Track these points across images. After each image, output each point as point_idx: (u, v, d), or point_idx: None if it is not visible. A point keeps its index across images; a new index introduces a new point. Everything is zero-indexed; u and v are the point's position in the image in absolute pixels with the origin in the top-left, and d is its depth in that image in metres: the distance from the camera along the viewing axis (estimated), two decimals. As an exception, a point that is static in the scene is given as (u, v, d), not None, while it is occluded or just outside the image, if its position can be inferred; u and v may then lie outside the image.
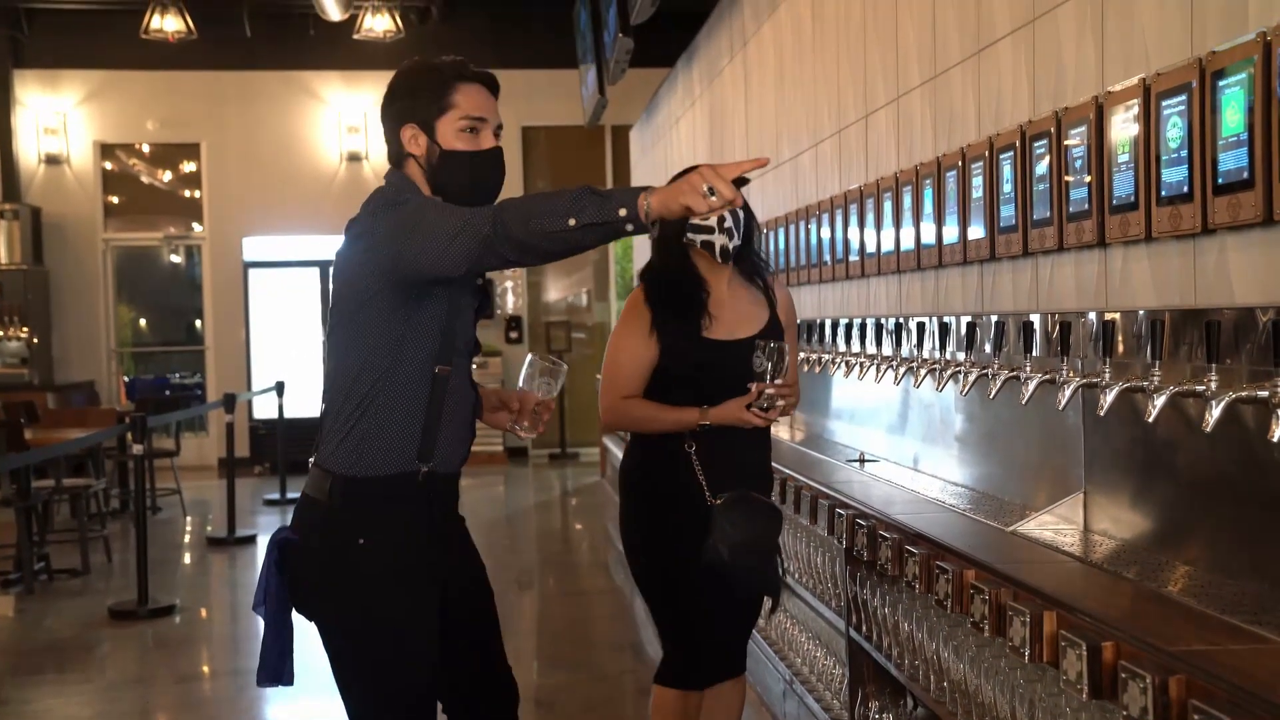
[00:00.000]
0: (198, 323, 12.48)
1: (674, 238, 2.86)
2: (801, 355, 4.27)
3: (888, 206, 3.68)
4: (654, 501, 2.88)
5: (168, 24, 9.89)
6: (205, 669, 5.39)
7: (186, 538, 8.54)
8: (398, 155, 2.36)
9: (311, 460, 2.33)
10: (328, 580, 2.26)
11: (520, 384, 2.48)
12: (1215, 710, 1.33)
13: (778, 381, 2.67)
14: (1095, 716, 1.69)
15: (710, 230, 2.82)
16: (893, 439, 3.74)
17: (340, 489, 2.25)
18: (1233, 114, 1.96)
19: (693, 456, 2.79)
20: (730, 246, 2.83)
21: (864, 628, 2.73)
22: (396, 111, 2.35)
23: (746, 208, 2.84)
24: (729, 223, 2.84)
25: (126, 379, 12.36)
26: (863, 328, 3.77)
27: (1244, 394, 1.87)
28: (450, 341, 2.28)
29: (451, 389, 2.30)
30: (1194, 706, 1.37)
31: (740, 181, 1.98)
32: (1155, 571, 2.11)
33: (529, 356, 2.50)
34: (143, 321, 12.99)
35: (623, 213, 2.01)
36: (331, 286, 2.38)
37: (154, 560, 6.39)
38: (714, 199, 1.97)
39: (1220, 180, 2.00)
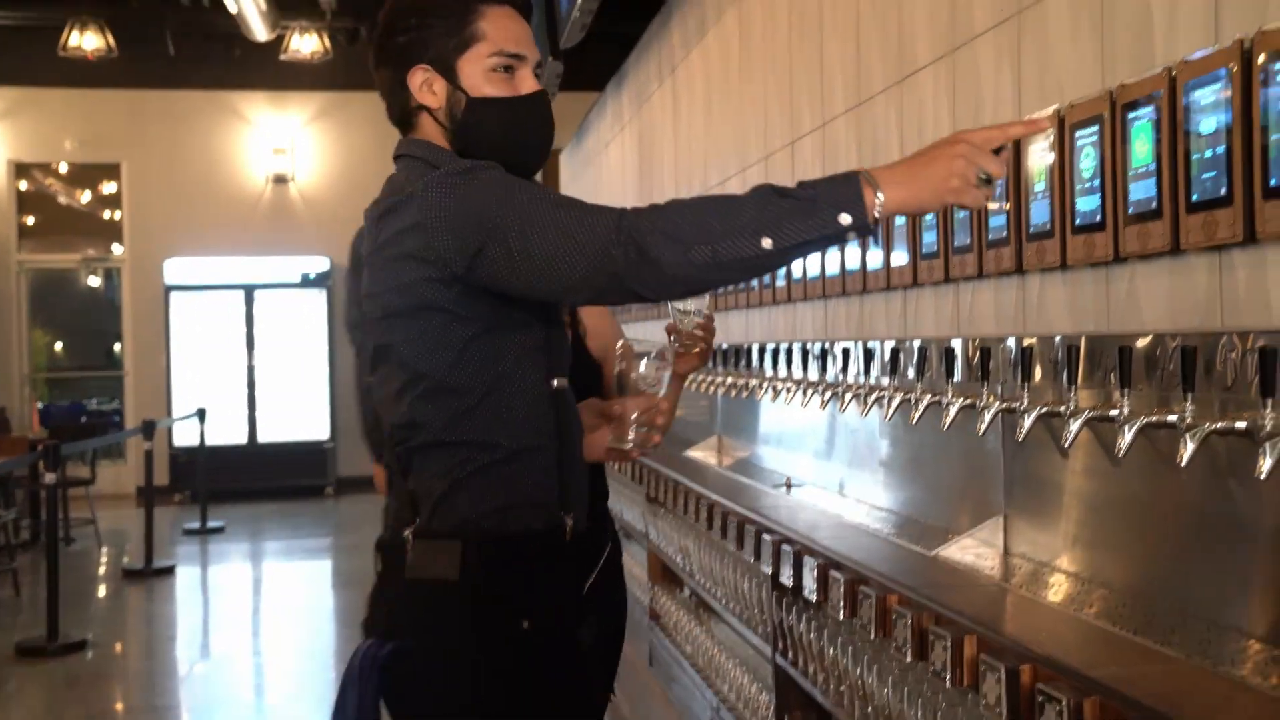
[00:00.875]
0: (117, 347, 12.24)
1: None
2: (730, 379, 4.28)
3: (812, 233, 3.71)
4: None
5: (87, 41, 9.74)
6: (119, 706, 5.26)
7: (101, 570, 8.35)
8: (404, 112, 1.80)
9: (408, 532, 1.71)
10: (482, 692, 1.69)
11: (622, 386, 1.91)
12: (1128, 733, 1.35)
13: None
14: (1014, 739, 1.70)
15: None
16: (819, 463, 3.76)
17: (483, 558, 1.68)
18: (1142, 145, 2.01)
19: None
20: None
21: (790, 654, 2.74)
22: (400, 50, 1.76)
23: None
24: None
25: (40, 405, 12.06)
26: (789, 352, 3.79)
27: (1154, 419, 1.91)
28: (558, 347, 1.78)
29: (571, 410, 1.81)
30: (1108, 729, 1.39)
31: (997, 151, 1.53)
32: (1073, 594, 2.14)
33: (619, 343, 1.90)
34: (59, 346, 12.71)
35: (845, 220, 1.46)
36: (364, 303, 1.79)
37: (66, 593, 6.23)
38: (990, 188, 1.50)
39: (1131, 210, 2.05)
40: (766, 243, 1.47)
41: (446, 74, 1.74)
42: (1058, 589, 2.18)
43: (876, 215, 1.48)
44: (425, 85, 1.76)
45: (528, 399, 1.72)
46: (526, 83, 1.75)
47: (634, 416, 1.86)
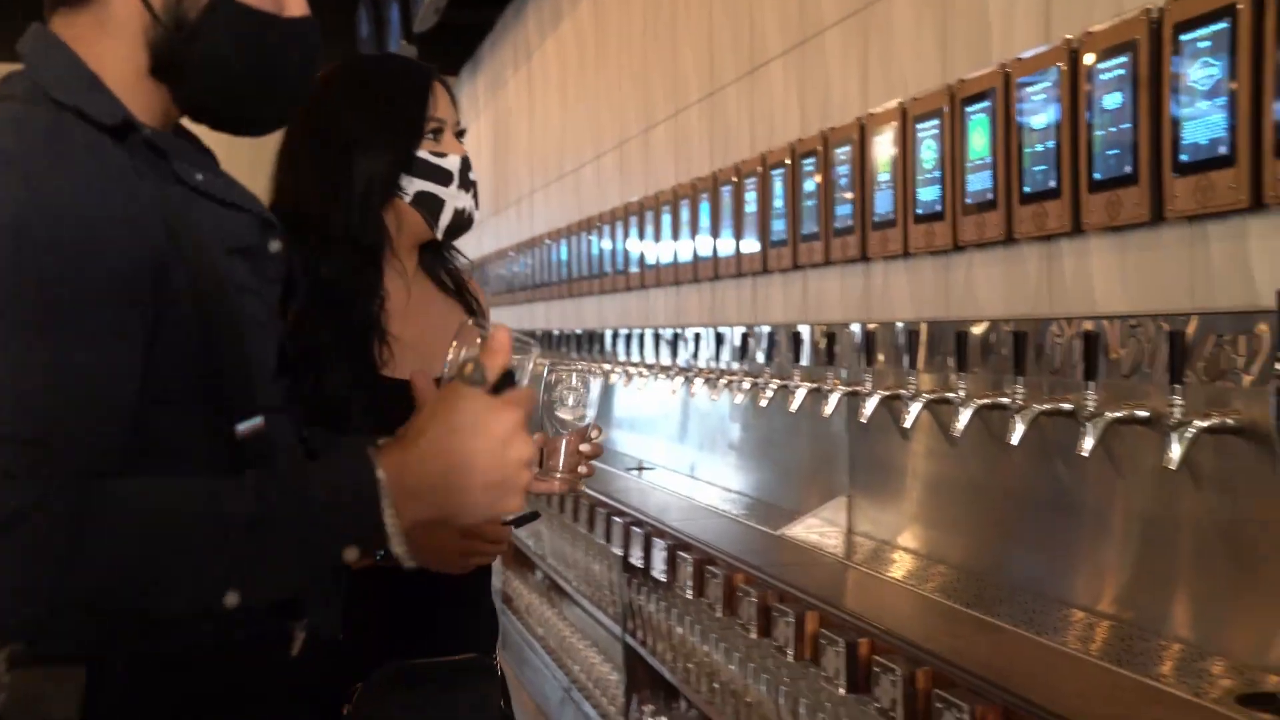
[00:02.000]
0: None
1: (373, 179, 1.62)
2: (584, 364, 4.30)
3: (666, 220, 3.75)
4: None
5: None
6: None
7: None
8: None
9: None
10: None
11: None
12: (956, 699, 1.41)
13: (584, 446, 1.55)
14: (853, 710, 1.76)
15: (445, 178, 1.66)
16: (671, 447, 3.81)
17: (126, 698, 1.04)
18: (979, 139, 2.08)
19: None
20: (469, 214, 1.70)
21: (639, 633, 2.77)
22: None
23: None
24: (474, 172, 1.71)
25: None
26: (642, 338, 3.83)
27: (988, 401, 2.00)
28: (244, 376, 1.11)
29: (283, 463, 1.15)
30: (938, 695, 1.45)
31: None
32: (912, 570, 2.21)
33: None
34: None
35: (351, 556, 1.02)
36: None
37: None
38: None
39: (968, 200, 2.13)
40: (231, 599, 0.98)
41: None
42: (898, 566, 2.25)
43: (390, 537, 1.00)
44: None
45: (191, 454, 1.08)
46: (296, 1, 1.19)
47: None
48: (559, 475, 1.52)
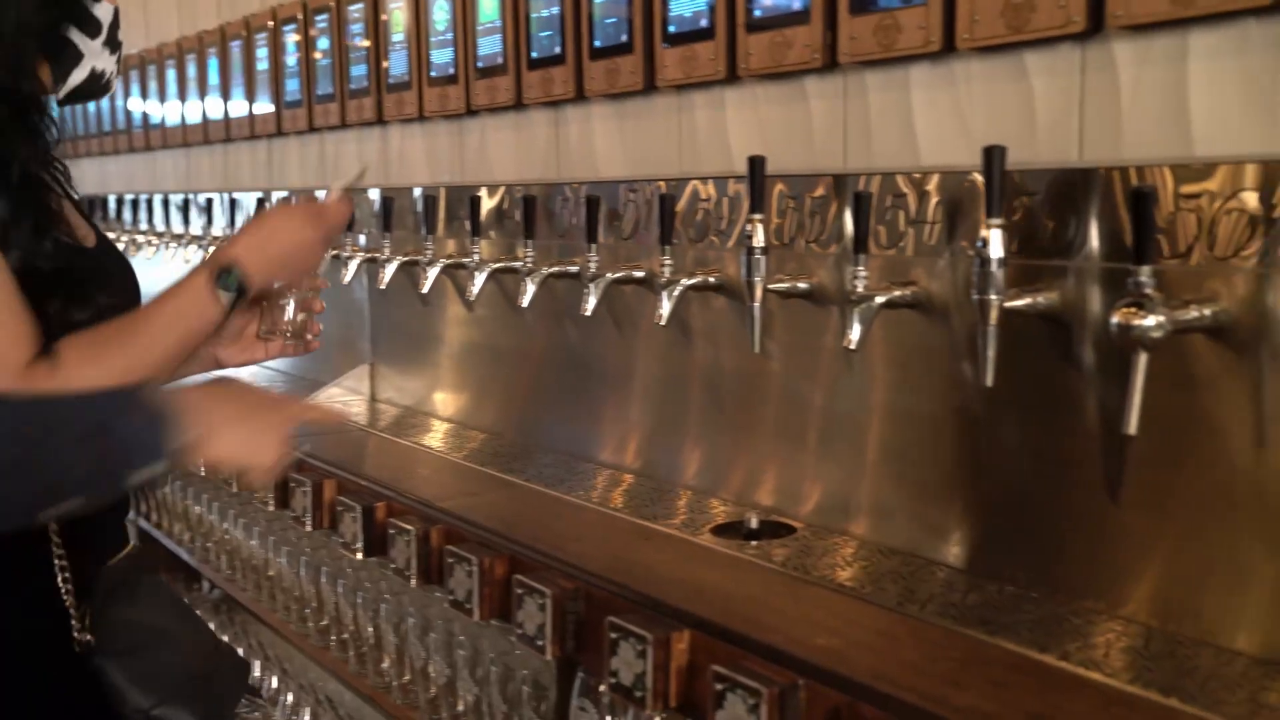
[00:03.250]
0: None
1: (26, 23, 1.30)
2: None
3: (171, 76, 3.46)
4: None
5: None
6: None
7: None
8: None
9: None
10: None
11: None
12: (466, 553, 1.46)
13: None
14: (373, 573, 1.77)
15: (94, 27, 1.37)
16: (187, 322, 3.59)
17: None
18: (489, 2, 2.08)
19: (52, 537, 1.26)
20: (107, 79, 1.43)
21: (153, 516, 2.63)
22: None
23: None
24: (123, 32, 1.43)
25: None
26: (150, 204, 3.55)
27: (501, 265, 2.04)
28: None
29: None
30: (449, 551, 1.48)
31: None
32: (435, 434, 2.25)
33: None
34: None
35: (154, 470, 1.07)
36: None
37: None
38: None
39: (480, 64, 2.12)
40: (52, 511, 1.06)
41: None
42: (423, 431, 2.27)
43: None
44: None
45: None
46: None
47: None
48: (289, 337, 1.42)
